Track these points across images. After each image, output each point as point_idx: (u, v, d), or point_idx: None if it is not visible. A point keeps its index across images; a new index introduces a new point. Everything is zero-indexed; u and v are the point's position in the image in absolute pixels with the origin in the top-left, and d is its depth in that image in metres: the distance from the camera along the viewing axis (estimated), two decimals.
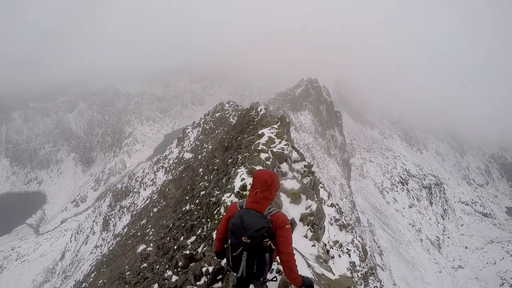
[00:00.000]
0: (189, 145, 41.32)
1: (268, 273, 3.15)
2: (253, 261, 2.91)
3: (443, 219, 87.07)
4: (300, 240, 5.84)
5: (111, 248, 31.45)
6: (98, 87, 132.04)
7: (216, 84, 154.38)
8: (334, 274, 5.08)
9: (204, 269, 5.57)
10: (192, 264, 7.06)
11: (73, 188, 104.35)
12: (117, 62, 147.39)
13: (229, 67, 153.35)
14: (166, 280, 7.47)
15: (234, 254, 2.97)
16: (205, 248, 7.46)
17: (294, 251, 3.06)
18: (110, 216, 43.48)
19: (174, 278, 7.13)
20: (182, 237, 10.61)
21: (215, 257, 5.14)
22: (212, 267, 5.51)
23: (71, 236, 56.20)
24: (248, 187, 7.11)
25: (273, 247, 2.96)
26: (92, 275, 26.43)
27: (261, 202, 2.98)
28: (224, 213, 3.39)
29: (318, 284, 4.17)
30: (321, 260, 5.72)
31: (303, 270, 4.45)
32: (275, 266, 4.17)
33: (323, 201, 12.40)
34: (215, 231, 3.96)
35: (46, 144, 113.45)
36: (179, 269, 7.54)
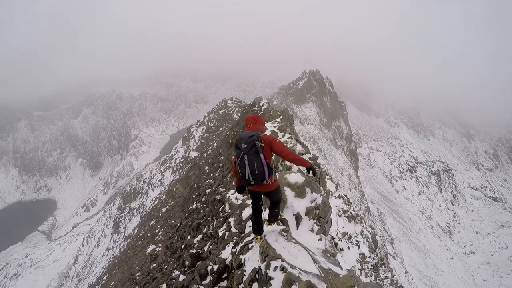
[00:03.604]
0: (195, 144, 41.28)
1: (268, 177, 4.11)
2: (252, 162, 4.00)
3: (453, 205, 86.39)
4: (306, 234, 5.70)
5: (122, 249, 31.67)
6: (101, 92, 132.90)
7: (218, 82, 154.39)
8: (342, 268, 4.96)
9: (209, 268, 5.49)
10: (199, 262, 6.99)
11: (82, 193, 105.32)
12: (118, 66, 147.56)
13: (229, 64, 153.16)
14: (173, 280, 7.42)
15: (239, 160, 4.09)
16: (211, 246, 7.39)
17: (300, 247, 4.10)
18: (120, 219, 43.77)
19: (182, 277, 7.07)
20: (189, 236, 10.56)
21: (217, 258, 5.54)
22: (217, 265, 5.42)
23: (83, 240, 56.79)
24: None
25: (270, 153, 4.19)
26: (105, 277, 26.66)
27: (252, 130, 4.33)
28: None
29: (324, 280, 4.05)
30: (328, 254, 5.58)
31: (308, 266, 4.32)
32: (279, 263, 4.07)
33: (330, 193, 12.26)
34: (232, 172, 4.80)
35: (53, 151, 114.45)
36: (186, 269, 7.48)
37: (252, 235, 5.15)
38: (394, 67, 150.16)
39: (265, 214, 5.54)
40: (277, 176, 4.68)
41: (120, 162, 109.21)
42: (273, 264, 4.13)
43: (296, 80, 69.89)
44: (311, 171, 4.38)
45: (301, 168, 6.28)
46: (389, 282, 15.49)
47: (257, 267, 4.35)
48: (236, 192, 5.24)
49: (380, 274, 14.04)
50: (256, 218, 4.82)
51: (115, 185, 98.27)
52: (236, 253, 5.28)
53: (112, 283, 19.51)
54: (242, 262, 4.79)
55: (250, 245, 5.00)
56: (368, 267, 11.73)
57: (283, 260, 4.17)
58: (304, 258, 4.50)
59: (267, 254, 4.38)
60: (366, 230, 14.96)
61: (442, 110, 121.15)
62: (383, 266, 15.08)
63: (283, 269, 3.98)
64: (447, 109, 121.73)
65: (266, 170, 4.05)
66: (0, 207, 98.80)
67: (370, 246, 13.59)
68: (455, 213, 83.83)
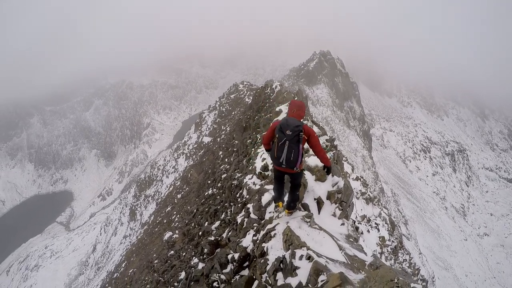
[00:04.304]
0: (207, 129, 41.22)
1: (298, 165, 4.50)
2: (291, 150, 4.33)
3: (467, 186, 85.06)
4: (328, 219, 5.49)
5: (139, 237, 32.14)
6: (110, 83, 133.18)
7: (227, 66, 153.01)
8: (366, 254, 4.75)
9: (229, 257, 5.32)
10: (218, 250, 6.86)
11: (98, 183, 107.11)
12: (126, 55, 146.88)
13: (237, 47, 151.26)
14: (192, 268, 7.33)
15: (279, 143, 4.39)
16: (230, 233, 7.24)
17: (324, 233, 4.26)
18: (136, 206, 44.41)
19: (201, 265, 6.96)
20: (206, 223, 10.47)
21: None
22: (238, 253, 5.25)
23: (101, 229, 58.00)
24: (270, 166, 7.61)
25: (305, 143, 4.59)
26: (123, 265, 27.16)
27: (297, 116, 4.56)
28: (270, 125, 4.93)
29: (351, 268, 3.83)
30: (351, 240, 5.38)
31: (334, 253, 4.10)
32: (304, 252, 3.85)
33: (347, 175, 11.97)
34: (262, 138, 5.44)
35: (67, 144, 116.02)
36: (204, 256, 7.37)
37: (274, 213, 5.47)
38: (401, 41, 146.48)
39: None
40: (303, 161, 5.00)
41: (133, 150, 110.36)
42: (298, 252, 3.92)
43: (307, 61, 68.74)
44: (326, 169, 4.90)
45: (319, 164, 6.20)
46: (407, 265, 15.28)
47: (281, 256, 4.14)
48: (266, 153, 5.66)
49: (399, 257, 13.82)
50: (278, 188, 5.24)
51: (129, 174, 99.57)
52: (258, 241, 5.08)
53: (131, 270, 19.83)
54: (265, 250, 4.59)
55: (272, 233, 4.77)
56: (387, 251, 11.52)
57: (308, 248, 3.95)
58: (329, 245, 4.29)
59: (292, 242, 4.16)
60: (384, 212, 14.69)
61: (456, 89, 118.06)
62: (402, 249, 14.86)
63: (309, 258, 3.76)
64: (461, 88, 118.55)
65: (299, 160, 4.43)
66: (18, 202, 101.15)
67: (388, 228, 13.34)
68: (469, 194, 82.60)
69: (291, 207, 5.16)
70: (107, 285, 27.37)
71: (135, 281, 16.03)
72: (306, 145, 4.82)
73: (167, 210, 27.85)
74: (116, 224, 50.20)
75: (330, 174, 5.87)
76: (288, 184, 5.16)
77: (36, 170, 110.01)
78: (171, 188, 36.20)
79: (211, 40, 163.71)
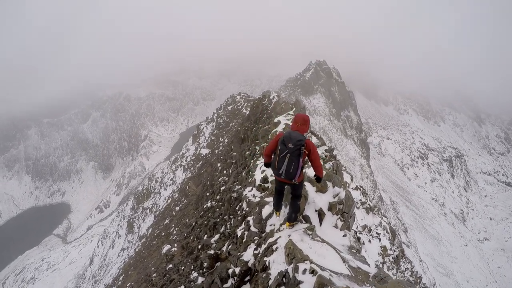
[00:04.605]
0: (205, 141, 41.07)
1: (297, 178, 4.58)
2: (291, 162, 4.45)
3: (466, 191, 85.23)
4: (330, 231, 5.41)
5: (137, 250, 31.74)
6: (108, 95, 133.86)
7: (224, 77, 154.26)
8: (369, 265, 4.66)
9: (230, 271, 5.22)
10: (218, 264, 6.74)
11: (95, 195, 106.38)
12: (123, 68, 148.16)
13: (233, 59, 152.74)
14: (192, 282, 7.19)
15: (281, 155, 4.52)
16: (230, 247, 7.13)
17: (327, 245, 4.22)
18: (134, 219, 43.92)
19: (200, 279, 6.85)
20: (205, 236, 10.33)
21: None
22: (239, 268, 5.15)
23: (98, 242, 57.20)
24: (270, 178, 7.58)
25: (306, 157, 4.62)
26: (121, 278, 26.71)
27: (300, 130, 4.66)
28: (274, 137, 5.18)
29: (355, 280, 3.76)
30: (354, 251, 5.30)
31: (338, 266, 4.02)
32: (307, 265, 3.77)
33: (347, 185, 11.91)
34: (264, 149, 5.56)
35: (64, 156, 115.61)
36: (204, 270, 7.24)
37: (275, 226, 5.47)
38: (395, 54, 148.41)
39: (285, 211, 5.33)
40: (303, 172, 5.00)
41: (131, 163, 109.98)
42: (301, 266, 3.84)
43: (303, 71, 69.25)
44: (316, 178, 5.06)
45: (311, 174, 6.36)
46: (409, 273, 15.13)
47: (283, 270, 4.06)
48: (264, 166, 5.57)
49: (401, 266, 13.70)
50: (278, 200, 5.41)
51: (127, 186, 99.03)
52: (259, 255, 4.99)
53: (128, 284, 19.52)
54: (267, 264, 4.50)
55: (274, 247, 4.69)
56: (389, 260, 11.41)
57: (311, 262, 3.87)
58: (332, 257, 4.21)
59: (294, 255, 4.09)
60: (384, 221, 14.60)
61: (452, 95, 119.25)
62: (403, 258, 14.73)
63: (312, 271, 3.68)
64: (456, 94, 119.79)
65: (299, 172, 4.54)
66: (15, 213, 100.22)
67: (389, 237, 13.24)
68: (468, 200, 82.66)
69: (293, 219, 5.10)
70: None
71: None
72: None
73: (165, 222, 27.58)
74: (113, 237, 49.54)
75: (332, 185, 5.85)
76: (289, 196, 5.19)
77: (33, 182, 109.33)
78: (169, 201, 35.92)
79: (207, 51, 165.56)
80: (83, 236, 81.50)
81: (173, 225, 23.66)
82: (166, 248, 16.18)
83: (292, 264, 3.99)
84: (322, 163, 5.41)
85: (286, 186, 5.22)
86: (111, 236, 51.58)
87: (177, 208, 28.23)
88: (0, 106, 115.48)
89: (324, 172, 8.94)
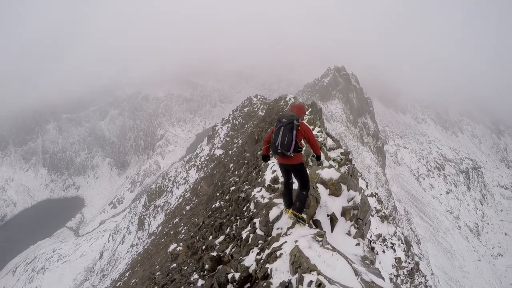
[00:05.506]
0: (220, 142, 40.95)
1: (292, 150, 4.63)
2: (285, 134, 4.62)
3: (482, 204, 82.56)
4: (341, 238, 4.93)
5: (145, 247, 31.70)
6: (127, 94, 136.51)
7: (243, 80, 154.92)
8: (383, 279, 4.17)
9: (230, 276, 4.78)
10: (220, 267, 6.32)
11: (109, 191, 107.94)
12: (142, 68, 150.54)
13: (252, 63, 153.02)
14: (191, 285, 6.80)
15: (276, 129, 4.75)
16: (233, 249, 6.70)
17: (338, 255, 3.89)
18: (145, 216, 44.11)
19: (200, 282, 6.45)
20: (210, 237, 9.94)
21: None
22: (239, 273, 4.71)
23: (109, 237, 57.87)
24: (280, 179, 7.14)
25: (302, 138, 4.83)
26: (127, 274, 26.63)
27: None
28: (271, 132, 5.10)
29: None
30: (367, 262, 4.79)
31: (349, 279, 3.50)
32: (314, 277, 3.29)
33: (362, 191, 11.33)
34: (264, 141, 5.32)
35: (81, 151, 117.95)
36: (205, 272, 6.84)
37: (282, 230, 5.13)
38: (413, 63, 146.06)
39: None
40: (302, 153, 5.01)
41: (146, 161, 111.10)
42: (307, 277, 3.35)
43: (321, 77, 68.61)
44: (316, 157, 5.15)
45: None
46: None
47: (286, 281, 3.59)
48: (262, 160, 5.66)
49: (415, 280, 12.96)
50: (286, 193, 5.30)
51: (141, 184, 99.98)
52: (261, 261, 4.53)
53: (133, 281, 19.34)
54: (269, 272, 4.02)
55: (278, 253, 4.20)
56: (403, 273, 10.74)
57: (319, 273, 3.39)
58: (343, 269, 3.70)
59: (300, 264, 3.60)
60: (399, 231, 13.89)
61: (471, 105, 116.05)
62: (418, 272, 13.97)
63: (319, 284, 3.19)
64: (476, 104, 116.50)
65: (293, 145, 4.62)
66: (29, 204, 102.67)
67: (404, 249, 12.55)
68: (483, 213, 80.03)
69: (296, 208, 4.84)
70: None
71: None
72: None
73: (175, 221, 27.40)
74: (124, 233, 49.94)
75: (346, 189, 5.36)
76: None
77: (49, 175, 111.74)
78: (180, 200, 35.81)
79: (225, 53, 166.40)
80: (95, 230, 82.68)
81: (182, 224, 23.43)
82: (172, 246, 15.90)
83: (297, 274, 3.52)
84: (319, 144, 5.71)
85: (290, 181, 5.21)
86: (122, 232, 52.06)
87: (187, 207, 28.00)
88: (19, 100, 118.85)
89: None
